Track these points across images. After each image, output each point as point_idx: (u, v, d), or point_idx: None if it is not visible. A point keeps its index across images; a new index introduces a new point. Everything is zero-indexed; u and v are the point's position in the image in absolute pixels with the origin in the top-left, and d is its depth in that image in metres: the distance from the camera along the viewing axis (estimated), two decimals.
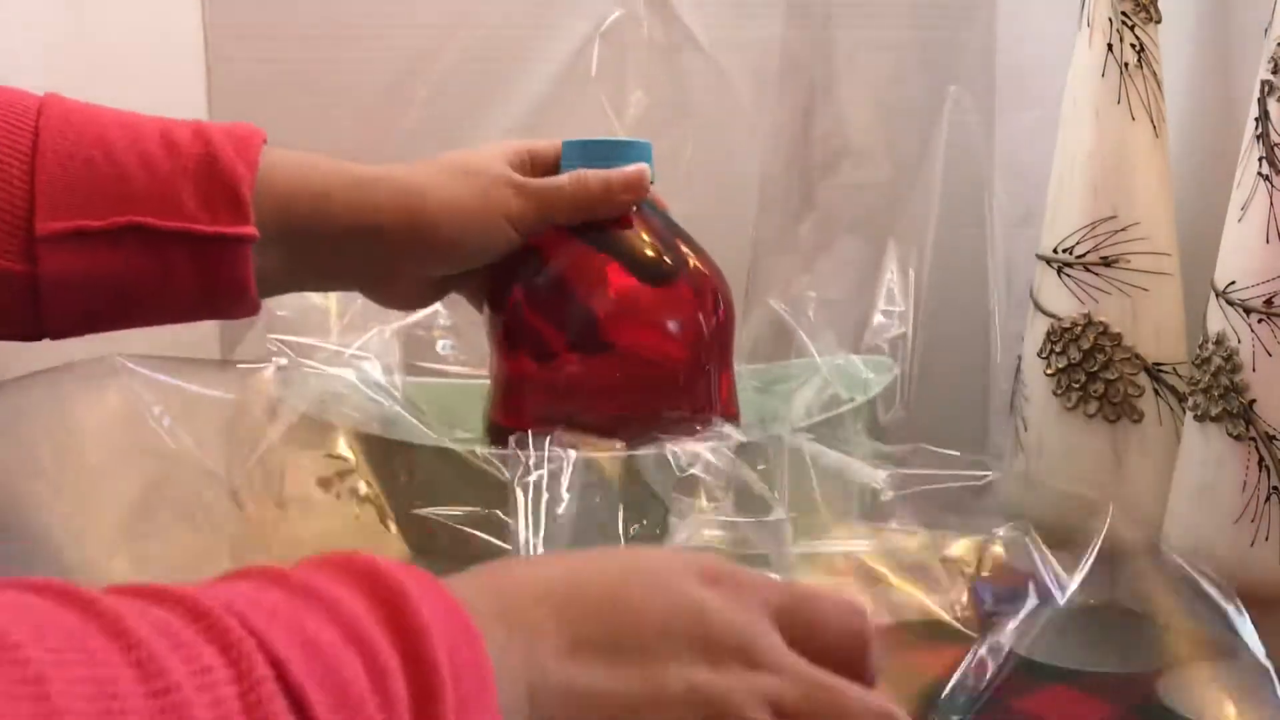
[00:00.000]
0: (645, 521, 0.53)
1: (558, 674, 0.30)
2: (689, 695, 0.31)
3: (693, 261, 0.62)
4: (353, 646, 0.26)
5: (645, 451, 0.54)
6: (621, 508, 0.53)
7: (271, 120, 0.88)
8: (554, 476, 0.52)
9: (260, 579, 0.28)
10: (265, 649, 0.24)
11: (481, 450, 0.55)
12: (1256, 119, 0.61)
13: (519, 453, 0.52)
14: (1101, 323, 0.71)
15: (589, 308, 0.61)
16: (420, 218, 0.58)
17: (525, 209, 0.60)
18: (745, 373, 0.72)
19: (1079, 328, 0.71)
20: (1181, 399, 0.70)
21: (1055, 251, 0.72)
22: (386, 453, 0.59)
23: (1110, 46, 0.70)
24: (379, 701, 0.25)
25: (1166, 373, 0.70)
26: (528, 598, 0.31)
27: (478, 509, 0.52)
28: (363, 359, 0.65)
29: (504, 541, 0.51)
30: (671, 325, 0.61)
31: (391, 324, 0.68)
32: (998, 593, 0.55)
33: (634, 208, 0.62)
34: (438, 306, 0.70)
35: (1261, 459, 0.60)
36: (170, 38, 0.83)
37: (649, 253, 0.62)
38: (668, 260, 0.62)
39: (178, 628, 0.24)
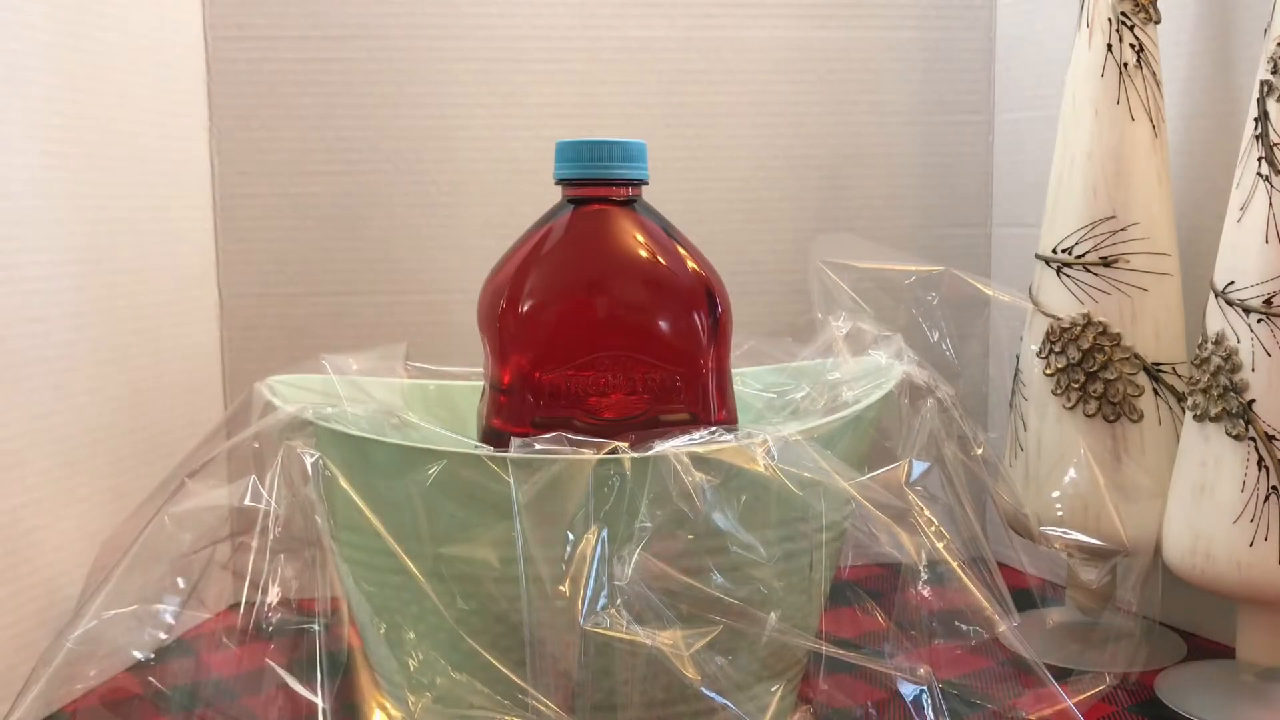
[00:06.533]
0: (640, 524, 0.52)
1: None
2: None
3: (689, 263, 0.62)
4: None
5: (640, 455, 0.53)
6: (603, 511, 0.52)
7: (271, 120, 0.89)
8: (557, 481, 0.52)
9: None
10: None
11: (484, 454, 0.54)
12: (1255, 119, 0.61)
13: (519, 457, 0.52)
14: (1101, 322, 0.71)
15: (585, 310, 0.61)
16: None
17: None
18: (750, 375, 0.71)
19: (1078, 327, 0.71)
20: (1181, 399, 0.70)
21: (1054, 251, 0.72)
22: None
23: (1110, 46, 0.70)
24: None
25: (1166, 372, 0.71)
26: None
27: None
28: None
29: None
30: (667, 327, 0.61)
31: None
32: None
33: (631, 209, 0.62)
34: None
35: (1260, 459, 0.60)
36: (170, 37, 0.83)
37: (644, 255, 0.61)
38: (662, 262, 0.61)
39: None
